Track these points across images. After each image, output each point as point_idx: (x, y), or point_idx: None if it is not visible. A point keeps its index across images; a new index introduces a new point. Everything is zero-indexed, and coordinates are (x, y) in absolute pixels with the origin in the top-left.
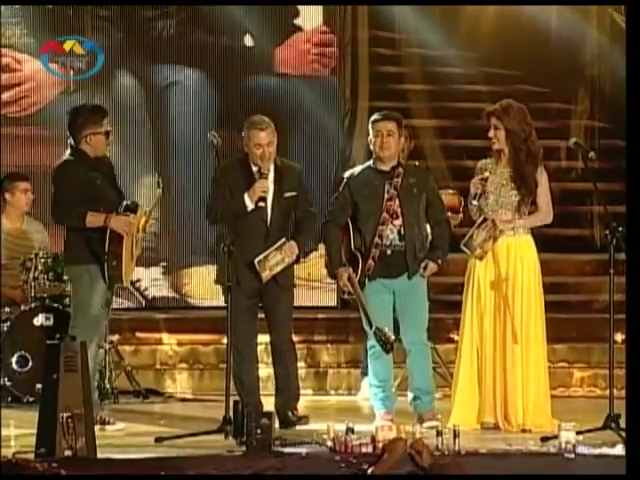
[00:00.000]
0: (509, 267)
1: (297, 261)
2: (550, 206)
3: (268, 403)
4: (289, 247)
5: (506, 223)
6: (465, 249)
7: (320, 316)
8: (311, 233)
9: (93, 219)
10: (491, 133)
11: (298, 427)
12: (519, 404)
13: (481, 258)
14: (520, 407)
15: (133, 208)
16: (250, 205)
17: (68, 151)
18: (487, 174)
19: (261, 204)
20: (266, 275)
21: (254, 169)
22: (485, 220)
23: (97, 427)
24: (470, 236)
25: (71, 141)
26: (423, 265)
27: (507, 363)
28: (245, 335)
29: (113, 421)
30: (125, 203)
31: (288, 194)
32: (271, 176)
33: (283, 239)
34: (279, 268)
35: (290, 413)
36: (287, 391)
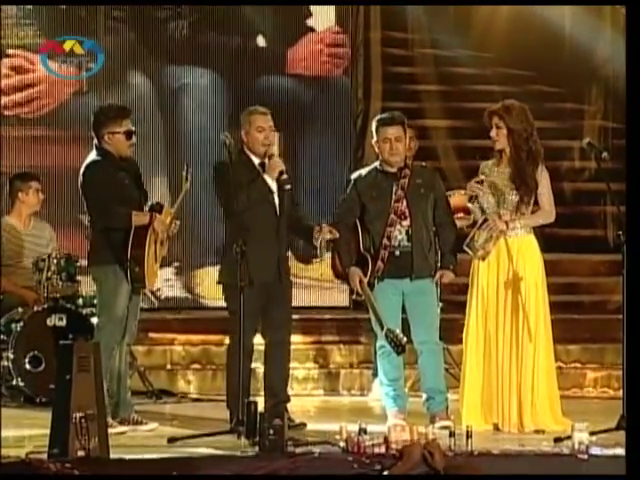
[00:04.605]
0: (511, 267)
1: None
2: (552, 205)
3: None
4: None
5: (506, 223)
6: (467, 250)
7: (332, 317)
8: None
9: (138, 218)
10: (493, 133)
11: (309, 428)
12: (528, 404)
13: (483, 259)
14: (529, 407)
15: (158, 209)
16: (273, 184)
17: (94, 152)
18: (482, 177)
19: (284, 176)
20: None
21: (255, 160)
22: (485, 221)
23: (129, 428)
24: (472, 237)
25: (95, 141)
26: (439, 276)
27: (515, 364)
28: (250, 335)
29: (146, 422)
30: (150, 204)
31: (287, 187)
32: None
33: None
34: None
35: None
36: (279, 395)
